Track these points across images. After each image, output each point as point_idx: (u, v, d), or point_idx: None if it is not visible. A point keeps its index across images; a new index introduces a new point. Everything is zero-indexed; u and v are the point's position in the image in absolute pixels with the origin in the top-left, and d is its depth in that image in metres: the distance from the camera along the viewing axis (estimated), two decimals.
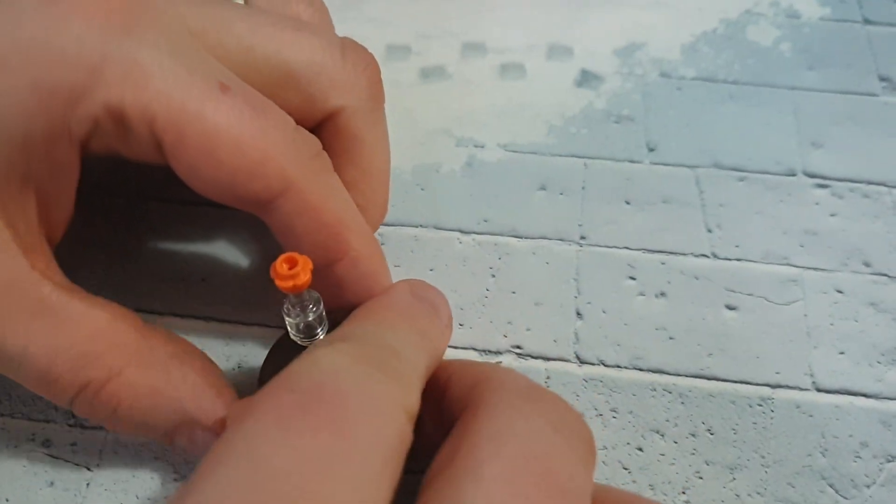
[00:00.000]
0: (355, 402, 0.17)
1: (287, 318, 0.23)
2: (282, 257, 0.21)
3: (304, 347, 0.23)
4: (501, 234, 0.30)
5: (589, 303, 0.28)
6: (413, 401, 0.19)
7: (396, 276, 0.26)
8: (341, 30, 0.25)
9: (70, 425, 0.26)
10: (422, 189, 0.31)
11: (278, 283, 0.20)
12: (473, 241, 0.30)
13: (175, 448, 0.24)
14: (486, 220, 0.30)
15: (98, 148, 0.21)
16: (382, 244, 0.30)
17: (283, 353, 0.24)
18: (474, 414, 0.18)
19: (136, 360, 0.22)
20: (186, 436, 0.23)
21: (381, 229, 0.30)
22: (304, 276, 0.20)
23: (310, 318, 0.23)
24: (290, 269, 0.21)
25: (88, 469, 0.25)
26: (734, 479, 0.25)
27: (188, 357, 0.23)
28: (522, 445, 0.17)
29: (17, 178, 0.21)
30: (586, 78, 0.34)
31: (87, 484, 0.25)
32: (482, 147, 0.33)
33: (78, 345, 0.21)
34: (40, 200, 0.22)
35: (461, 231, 0.30)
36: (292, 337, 0.24)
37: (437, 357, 0.22)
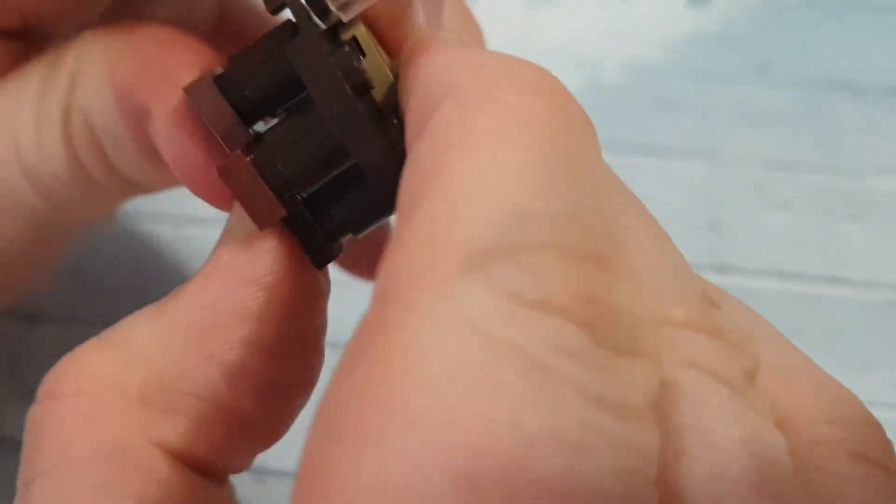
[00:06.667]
0: None
1: None
2: None
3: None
4: (630, 153, 0.31)
5: (720, 215, 0.30)
6: None
7: None
8: None
9: None
10: None
11: None
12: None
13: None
14: (612, 140, 0.31)
15: None
16: None
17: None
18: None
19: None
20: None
21: None
22: None
23: None
24: None
25: None
26: (868, 374, 0.27)
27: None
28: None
29: None
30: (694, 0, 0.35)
31: None
32: (599, 69, 0.34)
33: None
34: None
35: None
36: None
37: None
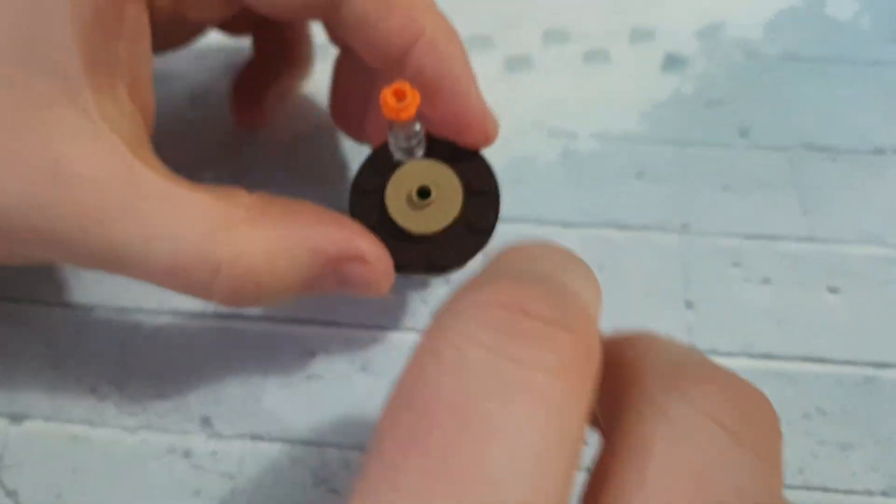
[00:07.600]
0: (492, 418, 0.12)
1: (389, 135, 0.24)
2: (391, 88, 0.21)
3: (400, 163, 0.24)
4: (604, 226, 0.31)
5: (697, 292, 0.29)
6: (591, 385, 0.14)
7: None
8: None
9: (208, 436, 0.27)
10: (519, 183, 0.32)
11: (386, 112, 0.21)
12: (577, 235, 0.31)
13: (343, 286, 0.24)
14: (587, 212, 0.31)
15: (164, 4, 0.24)
16: None
17: (379, 163, 0.25)
18: (617, 421, 0.15)
19: (258, 226, 0.22)
20: (335, 276, 0.23)
21: None
22: (411, 109, 0.21)
23: (412, 144, 0.24)
24: (398, 100, 0.21)
25: (231, 477, 0.26)
26: (848, 457, 0.26)
27: (301, 206, 0.23)
28: (671, 463, 0.14)
29: (101, 61, 0.21)
30: (671, 62, 0.35)
31: (231, 491, 0.26)
32: (575, 137, 0.33)
33: (197, 227, 0.21)
34: (126, 84, 0.22)
35: (563, 225, 0.31)
36: (392, 150, 0.24)
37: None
